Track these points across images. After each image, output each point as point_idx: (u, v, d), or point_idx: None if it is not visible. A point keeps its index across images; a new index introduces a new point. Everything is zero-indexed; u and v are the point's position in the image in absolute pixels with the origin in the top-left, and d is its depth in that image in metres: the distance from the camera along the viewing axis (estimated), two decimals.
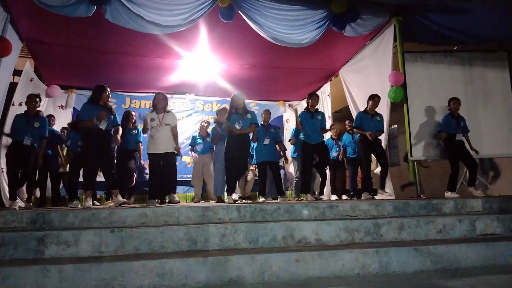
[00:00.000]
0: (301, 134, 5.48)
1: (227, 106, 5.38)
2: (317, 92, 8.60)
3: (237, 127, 4.79)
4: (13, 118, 4.98)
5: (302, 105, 9.48)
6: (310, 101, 5.46)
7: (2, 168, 6.12)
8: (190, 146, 6.98)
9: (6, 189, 5.94)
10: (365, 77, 6.56)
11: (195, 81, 8.06)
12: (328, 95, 8.19)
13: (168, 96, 8.75)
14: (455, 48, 6.35)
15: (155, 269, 2.28)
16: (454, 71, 5.78)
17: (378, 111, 5.38)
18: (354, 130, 5.50)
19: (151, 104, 4.94)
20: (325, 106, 8.12)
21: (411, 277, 2.40)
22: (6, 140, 6.02)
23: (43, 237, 2.59)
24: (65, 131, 6.56)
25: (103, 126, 4.43)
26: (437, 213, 3.57)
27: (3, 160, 6.04)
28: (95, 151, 4.43)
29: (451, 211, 3.62)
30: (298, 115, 5.50)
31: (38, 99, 5.06)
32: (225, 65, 7.37)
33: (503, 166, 5.97)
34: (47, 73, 7.48)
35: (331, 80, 8.20)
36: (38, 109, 5.15)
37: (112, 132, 4.66)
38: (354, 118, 5.82)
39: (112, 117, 4.61)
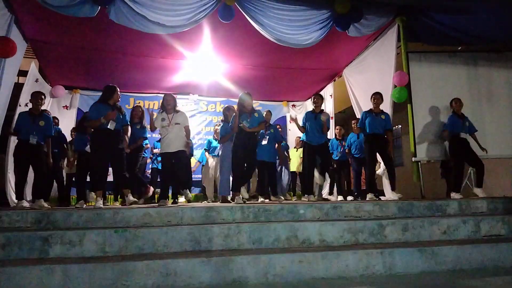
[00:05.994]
0: (303, 135, 5.48)
1: (235, 106, 5.34)
2: (320, 93, 8.63)
3: (246, 125, 4.79)
4: (17, 116, 4.95)
5: (306, 105, 9.49)
6: (314, 101, 5.45)
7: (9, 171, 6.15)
8: (205, 150, 7.07)
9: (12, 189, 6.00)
10: (368, 77, 6.54)
11: (199, 81, 8.07)
12: (331, 96, 8.19)
13: None
14: (459, 48, 6.32)
15: (159, 269, 2.28)
16: (459, 71, 5.75)
17: (383, 110, 5.34)
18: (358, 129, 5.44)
19: (160, 105, 5.00)
20: (328, 106, 8.10)
21: (415, 278, 2.39)
22: (13, 141, 6.05)
23: (47, 237, 2.59)
24: (74, 132, 6.57)
25: (111, 126, 4.42)
26: (442, 214, 3.56)
27: (11, 160, 6.08)
28: (105, 151, 4.42)
29: (456, 212, 3.60)
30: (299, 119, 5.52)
31: (43, 97, 5.03)
32: (229, 65, 7.38)
33: (504, 167, 5.92)
34: (51, 73, 7.52)
35: (334, 81, 8.19)
36: (43, 108, 5.15)
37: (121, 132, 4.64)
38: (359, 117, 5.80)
39: (121, 116, 4.60)
